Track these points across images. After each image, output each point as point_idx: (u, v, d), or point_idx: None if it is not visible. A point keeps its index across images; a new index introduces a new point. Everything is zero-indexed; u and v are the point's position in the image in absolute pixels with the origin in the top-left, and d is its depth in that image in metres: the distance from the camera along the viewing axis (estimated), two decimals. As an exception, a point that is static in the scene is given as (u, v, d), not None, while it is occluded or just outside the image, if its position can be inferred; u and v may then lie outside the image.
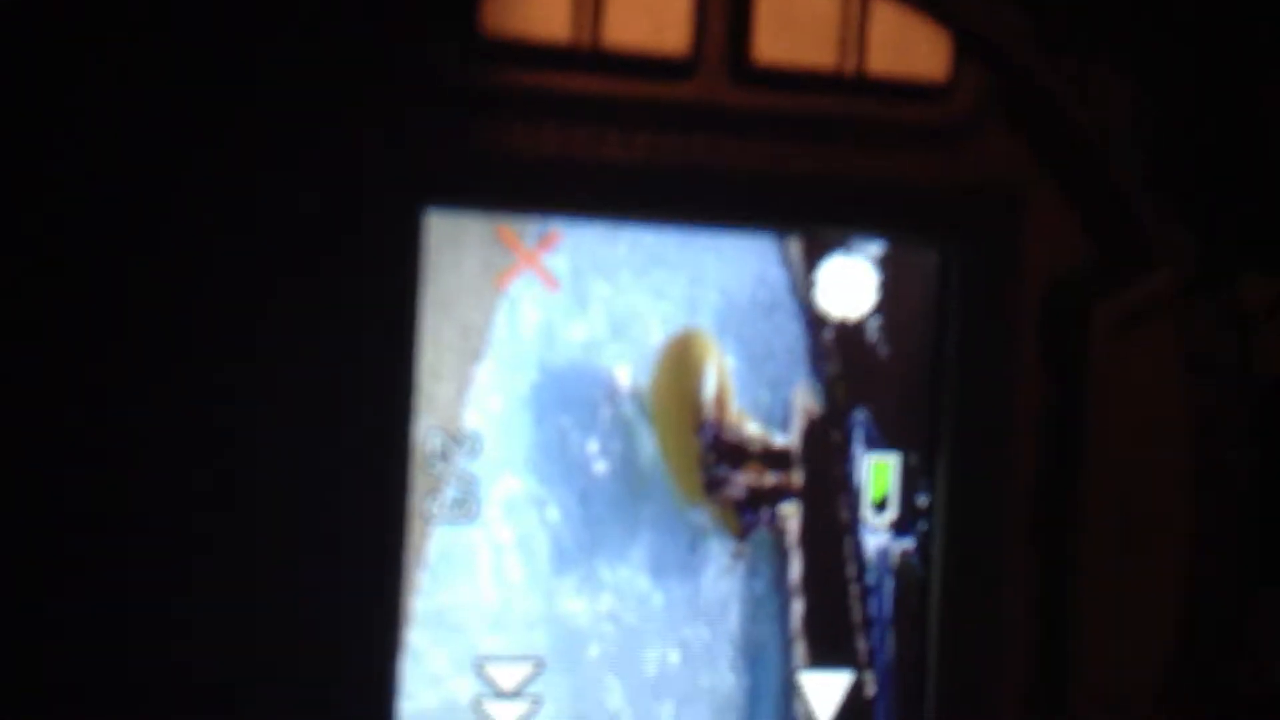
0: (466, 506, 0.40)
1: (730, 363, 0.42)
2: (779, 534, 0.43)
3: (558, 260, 0.41)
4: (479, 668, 0.41)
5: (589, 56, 0.37)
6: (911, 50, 0.39)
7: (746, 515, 0.43)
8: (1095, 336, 0.42)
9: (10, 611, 0.36)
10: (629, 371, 0.42)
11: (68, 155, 0.36)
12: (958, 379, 0.43)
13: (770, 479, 0.43)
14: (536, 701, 0.41)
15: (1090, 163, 0.41)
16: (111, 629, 0.37)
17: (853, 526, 0.44)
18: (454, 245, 0.40)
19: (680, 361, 0.42)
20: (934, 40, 0.40)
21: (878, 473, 0.44)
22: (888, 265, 0.43)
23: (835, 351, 0.43)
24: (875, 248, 0.43)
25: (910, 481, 0.44)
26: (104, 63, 0.37)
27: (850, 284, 0.43)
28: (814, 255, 0.43)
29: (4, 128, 0.36)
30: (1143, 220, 0.42)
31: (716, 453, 0.42)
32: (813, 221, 0.42)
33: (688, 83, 0.39)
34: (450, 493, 0.40)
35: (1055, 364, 0.43)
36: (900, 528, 0.44)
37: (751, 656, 0.43)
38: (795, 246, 0.43)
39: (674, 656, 0.42)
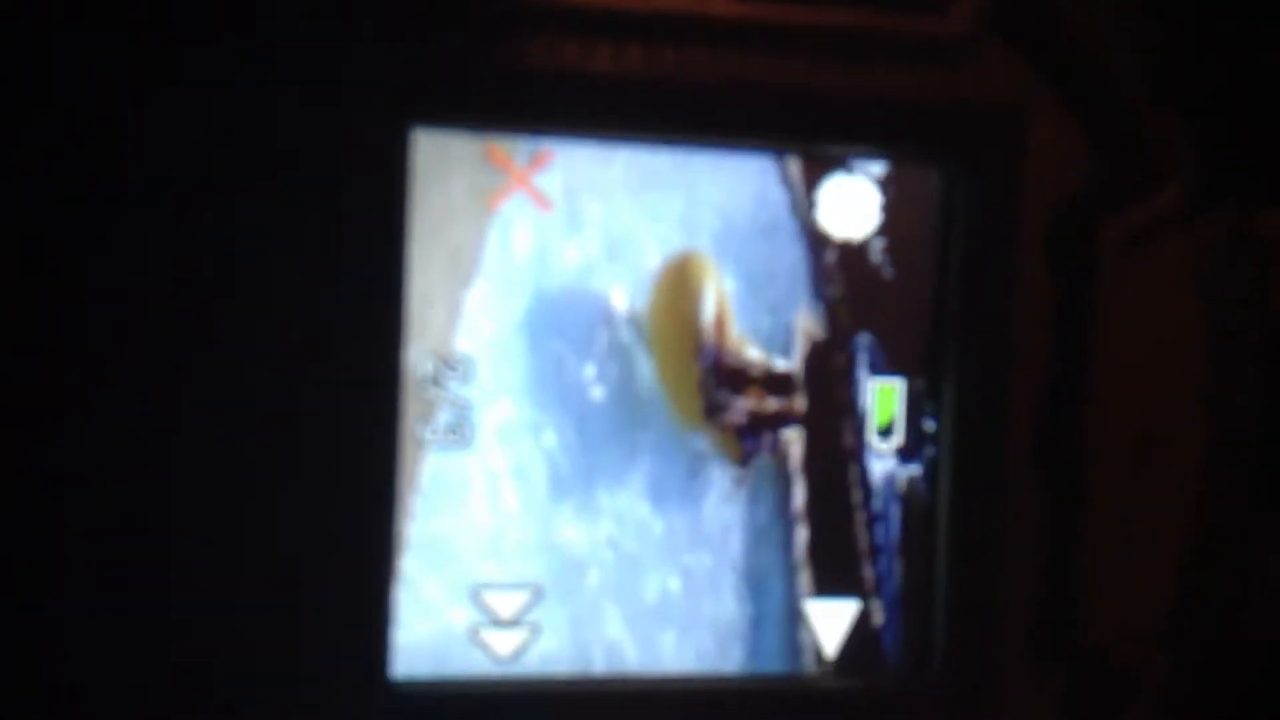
0: (460, 432, 0.40)
1: (730, 285, 0.42)
2: (781, 460, 0.42)
3: (550, 180, 0.40)
4: (476, 596, 0.40)
5: (580, -35, 0.37)
6: (913, -41, 0.39)
7: (748, 441, 0.42)
8: (1104, 253, 0.41)
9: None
10: (625, 295, 0.41)
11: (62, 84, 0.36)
12: (963, 301, 0.42)
13: (772, 404, 0.42)
14: (535, 630, 0.41)
15: (1093, 79, 0.41)
16: (106, 566, 0.37)
17: (857, 452, 0.43)
18: (442, 165, 0.39)
19: (678, 285, 0.41)
20: (936, -51, 0.39)
21: (883, 397, 0.43)
22: (890, 185, 0.42)
23: (838, 274, 0.42)
24: (877, 167, 0.42)
25: (916, 406, 0.43)
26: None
27: (852, 204, 0.42)
28: (814, 175, 0.42)
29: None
30: (1149, 137, 0.41)
31: (717, 377, 0.42)
32: (810, 138, 0.41)
33: None
34: (443, 418, 0.40)
35: (1063, 282, 0.42)
36: (906, 454, 0.43)
37: (755, 585, 0.42)
38: (795, 166, 0.42)
39: (675, 584, 0.42)
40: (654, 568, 0.42)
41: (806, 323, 0.42)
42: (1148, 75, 0.41)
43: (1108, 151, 0.42)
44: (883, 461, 0.43)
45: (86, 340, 0.36)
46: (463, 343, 0.40)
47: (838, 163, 0.42)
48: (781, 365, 0.42)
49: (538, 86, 0.38)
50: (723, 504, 0.42)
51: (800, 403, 0.42)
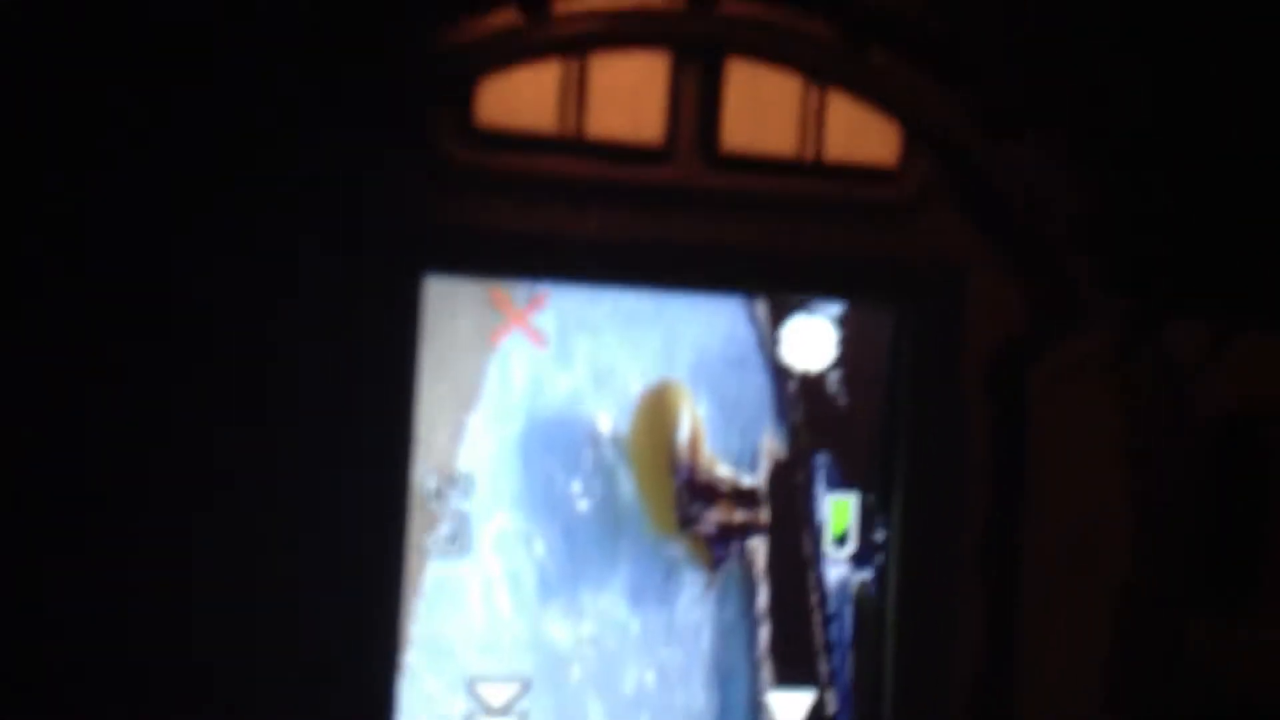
0: (460, 541, 0.44)
1: (703, 411, 0.46)
2: (747, 566, 0.47)
3: (545, 319, 0.45)
4: (471, 687, 0.45)
5: (573, 144, 0.41)
6: (865, 138, 0.43)
7: (717, 548, 0.47)
8: (1032, 393, 0.45)
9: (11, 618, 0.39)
10: (610, 419, 0.45)
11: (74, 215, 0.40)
12: (910, 427, 0.47)
13: (739, 516, 0.47)
14: (524, 718, 0.45)
15: (1024, 237, 0.45)
16: (120, 651, 0.40)
17: (815, 559, 0.47)
18: (450, 307, 0.44)
19: (657, 410, 0.46)
20: (885, 130, 0.43)
21: (838, 510, 0.48)
22: (846, 323, 0.47)
23: (799, 401, 0.47)
24: (835, 309, 0.47)
25: (868, 518, 0.48)
26: (116, 123, 0.40)
27: (812, 340, 0.47)
28: (779, 315, 0.47)
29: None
30: (1075, 286, 0.45)
31: (690, 492, 0.46)
32: (776, 288, 0.46)
33: (663, 167, 0.42)
34: (445, 529, 0.44)
35: (1000, 412, 0.46)
36: (859, 560, 0.48)
37: (722, 677, 0.47)
38: (761, 307, 0.47)
39: (650, 677, 0.46)
40: (631, 662, 0.46)
41: (771, 444, 0.47)
42: (1073, 231, 0.46)
43: (1039, 299, 0.46)
44: (837, 567, 0.48)
45: (126, 444, 0.40)
46: (464, 461, 0.44)
47: (800, 304, 0.47)
48: (748, 481, 0.47)
49: (537, 243, 0.42)
50: (694, 605, 0.46)
51: (765, 514, 0.47)
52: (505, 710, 0.45)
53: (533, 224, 0.42)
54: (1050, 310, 0.46)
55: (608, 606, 0.46)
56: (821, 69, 0.43)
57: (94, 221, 0.40)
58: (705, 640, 0.46)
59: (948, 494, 0.47)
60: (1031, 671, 0.46)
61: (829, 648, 0.47)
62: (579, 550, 0.45)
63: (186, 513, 0.41)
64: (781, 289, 0.46)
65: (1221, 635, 0.49)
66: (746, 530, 0.47)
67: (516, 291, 0.44)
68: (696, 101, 0.43)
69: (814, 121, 0.43)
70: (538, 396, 0.45)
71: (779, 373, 0.47)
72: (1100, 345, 0.46)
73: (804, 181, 0.44)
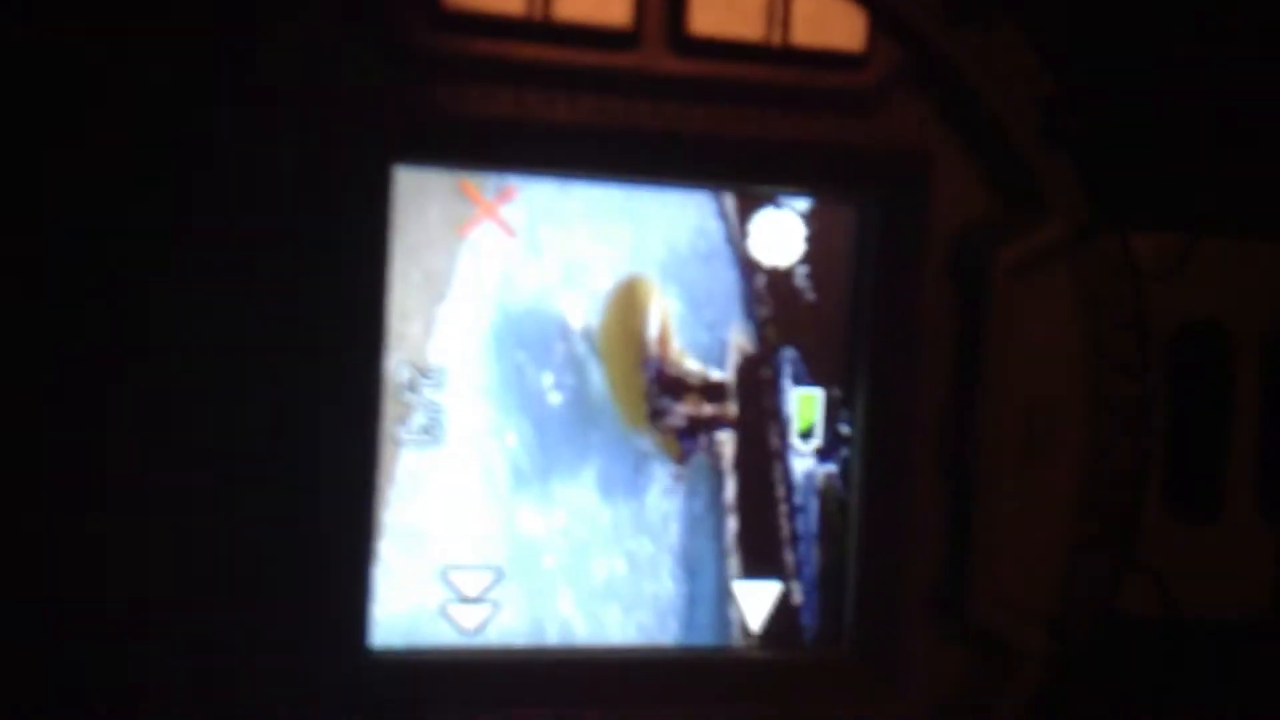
0: (433, 432, 0.45)
1: (672, 305, 0.47)
2: (715, 459, 0.48)
3: (515, 211, 0.45)
4: (444, 576, 0.45)
5: (540, 28, 0.41)
6: (831, 24, 0.43)
7: (686, 442, 0.47)
8: (995, 280, 0.46)
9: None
10: (580, 312, 0.46)
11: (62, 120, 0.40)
12: (874, 321, 0.48)
13: (708, 409, 0.48)
14: (496, 606, 0.46)
15: (989, 126, 0.45)
16: (103, 541, 0.40)
17: (782, 452, 0.48)
18: (420, 198, 0.44)
19: (627, 304, 0.46)
20: (851, 15, 0.44)
21: (804, 404, 0.48)
22: (813, 219, 0.48)
23: (766, 296, 0.48)
24: (802, 203, 0.48)
25: (833, 412, 0.48)
26: (94, 34, 0.40)
27: (780, 235, 0.48)
28: (747, 209, 0.47)
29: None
30: (1038, 176, 0.46)
31: (659, 386, 0.47)
32: (741, 179, 0.46)
33: (630, 52, 0.43)
34: (418, 420, 0.45)
35: (961, 305, 0.47)
36: (824, 454, 0.49)
37: (690, 567, 0.48)
38: (730, 201, 0.47)
39: (620, 567, 0.47)
40: (602, 552, 0.47)
41: (738, 338, 0.48)
42: (1039, 119, 0.46)
43: (1002, 189, 0.47)
44: (803, 460, 0.49)
45: (93, 339, 0.40)
46: (436, 353, 0.45)
47: (767, 199, 0.47)
48: (716, 375, 0.48)
49: (504, 131, 0.42)
50: (663, 497, 0.47)
51: (732, 409, 0.48)
52: (478, 598, 0.46)
53: (500, 111, 0.42)
54: (1014, 201, 0.47)
55: (578, 497, 0.46)
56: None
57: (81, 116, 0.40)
58: (674, 531, 0.47)
59: (911, 388, 0.47)
60: (985, 564, 0.47)
61: (795, 539, 0.48)
62: (550, 442, 0.46)
63: (163, 399, 0.41)
64: (748, 180, 0.46)
65: (1178, 541, 0.50)
66: (714, 424, 0.48)
67: (486, 182, 0.45)
68: (663, -16, 0.43)
69: (781, 6, 0.43)
70: (508, 289, 0.45)
71: (747, 267, 0.47)
72: (1062, 236, 0.47)
73: (771, 69, 0.44)
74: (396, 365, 0.44)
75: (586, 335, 0.46)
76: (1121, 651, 0.51)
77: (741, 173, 0.46)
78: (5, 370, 0.40)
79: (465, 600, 0.45)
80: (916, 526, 0.48)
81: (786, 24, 0.43)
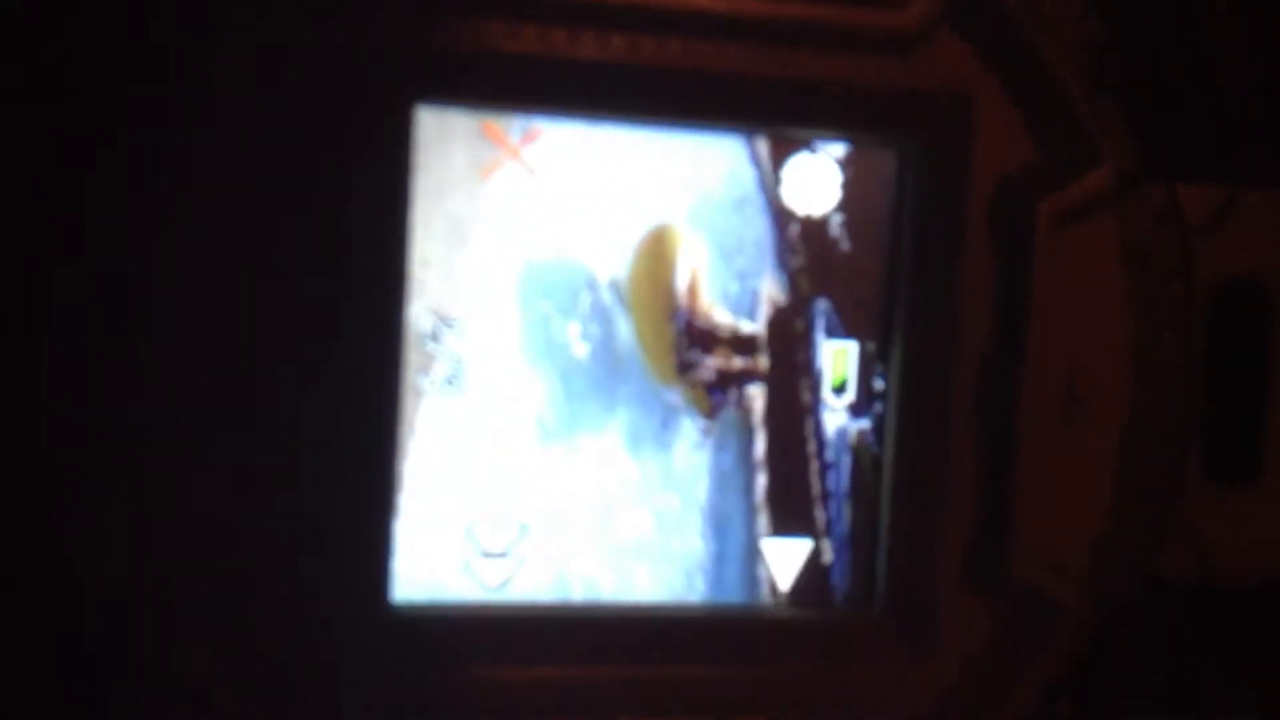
0: (456, 383, 0.44)
1: (702, 254, 0.45)
2: (745, 413, 0.46)
3: (540, 154, 0.44)
4: (469, 530, 0.44)
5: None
6: (873, -39, 0.42)
7: (715, 395, 0.46)
8: (1039, 229, 0.44)
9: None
10: (607, 261, 0.45)
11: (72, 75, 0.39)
12: (911, 272, 0.46)
13: (738, 363, 0.46)
14: (521, 561, 0.45)
15: (1035, 69, 0.44)
16: (128, 490, 0.40)
17: (813, 407, 0.47)
18: (442, 140, 0.43)
19: (656, 253, 0.45)
20: (893, -50, 0.42)
21: (837, 358, 0.47)
22: (849, 165, 0.46)
23: (800, 245, 0.46)
24: (838, 148, 0.46)
25: (867, 367, 0.47)
26: None
27: (814, 182, 0.46)
28: (781, 154, 0.46)
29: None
30: (1085, 123, 0.44)
31: (689, 338, 0.46)
32: (776, 122, 0.44)
33: None
34: (440, 370, 0.43)
35: (1002, 255, 0.46)
36: (857, 409, 0.47)
37: (719, 525, 0.47)
38: (763, 146, 0.45)
39: (647, 523, 0.46)
40: (628, 508, 0.46)
41: (770, 289, 0.46)
42: (1086, 65, 0.45)
43: (1047, 135, 0.45)
44: (836, 416, 0.47)
45: (112, 289, 0.39)
46: (459, 302, 0.43)
47: (802, 143, 0.46)
48: (747, 328, 0.46)
49: (530, 70, 0.41)
50: (692, 452, 0.46)
51: (763, 362, 0.46)
52: (502, 553, 0.45)
53: (525, 48, 0.41)
54: (1059, 148, 0.45)
55: (605, 451, 0.45)
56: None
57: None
58: (702, 487, 0.46)
59: (947, 343, 0.46)
60: (1023, 522, 0.46)
61: (826, 497, 0.47)
62: (576, 394, 0.45)
63: (182, 350, 0.40)
64: (783, 123, 0.45)
65: (1214, 504, 0.49)
66: (745, 377, 0.46)
67: (511, 124, 0.43)
68: (699, -83, 0.41)
69: (822, -58, 0.41)
70: (533, 236, 0.44)
71: (780, 215, 0.46)
72: (1109, 185, 0.45)
73: (808, 6, 0.42)
74: (418, 313, 0.43)
75: (614, 285, 0.45)
76: (1157, 614, 0.50)
77: (776, 115, 0.44)
78: (20, 306, 0.39)
79: (489, 555, 0.44)
80: (952, 484, 0.46)
81: (827, -40, 0.41)
